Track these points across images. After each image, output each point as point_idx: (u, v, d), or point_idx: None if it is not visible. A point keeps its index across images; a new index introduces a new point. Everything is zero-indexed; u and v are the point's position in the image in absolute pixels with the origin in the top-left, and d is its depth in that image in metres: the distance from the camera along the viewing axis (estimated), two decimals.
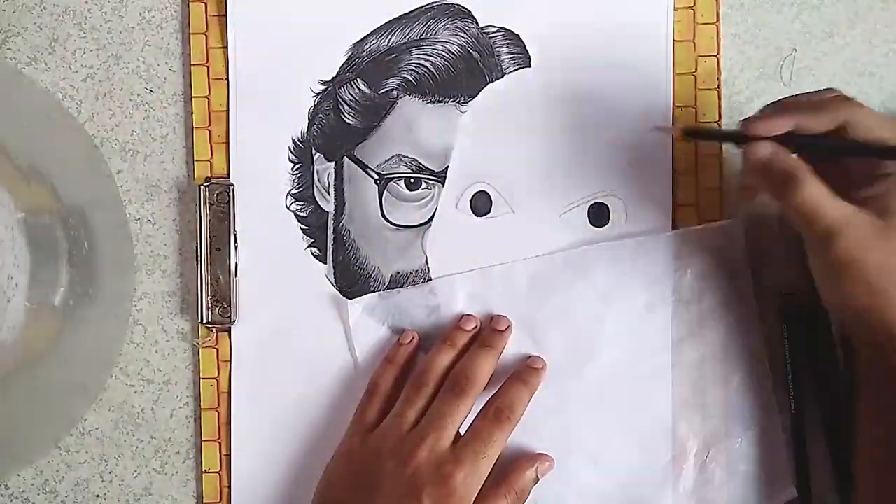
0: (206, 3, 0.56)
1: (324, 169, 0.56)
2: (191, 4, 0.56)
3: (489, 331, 0.54)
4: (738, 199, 0.54)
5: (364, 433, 0.53)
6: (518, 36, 0.55)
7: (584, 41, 0.55)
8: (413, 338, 0.55)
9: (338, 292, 0.56)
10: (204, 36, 0.56)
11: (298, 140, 0.56)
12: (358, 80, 0.56)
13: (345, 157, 0.56)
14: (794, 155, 0.45)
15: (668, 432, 0.54)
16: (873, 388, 0.48)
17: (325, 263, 0.56)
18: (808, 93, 0.48)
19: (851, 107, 0.46)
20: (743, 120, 0.47)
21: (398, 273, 0.56)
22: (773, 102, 0.48)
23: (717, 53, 0.55)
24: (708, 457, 0.54)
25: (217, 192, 0.55)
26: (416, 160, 0.55)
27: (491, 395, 0.52)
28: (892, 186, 0.45)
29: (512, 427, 0.51)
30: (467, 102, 0.55)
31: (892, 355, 0.45)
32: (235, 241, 0.56)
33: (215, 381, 0.56)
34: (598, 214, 0.55)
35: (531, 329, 0.55)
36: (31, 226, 0.50)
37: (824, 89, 0.48)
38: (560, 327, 0.55)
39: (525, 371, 0.54)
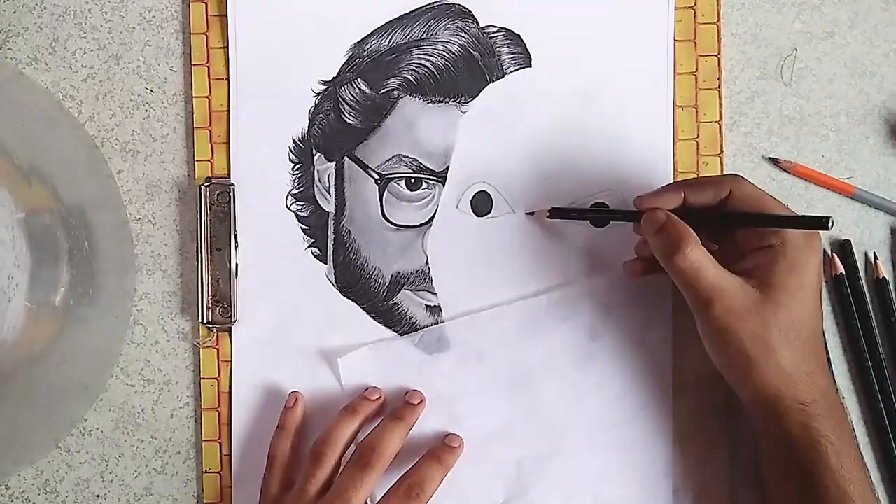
0: (206, 3, 0.56)
1: (324, 169, 0.56)
2: (191, 4, 0.56)
3: (402, 403, 0.54)
4: (624, 275, 0.54)
5: None
6: (518, 36, 0.55)
7: (584, 41, 0.55)
8: (297, 399, 0.55)
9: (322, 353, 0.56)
10: (204, 36, 0.56)
11: (299, 140, 0.56)
12: (358, 79, 0.56)
13: (345, 157, 0.56)
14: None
15: (668, 467, 0.54)
16: (767, 445, 0.49)
17: (326, 263, 0.56)
18: (705, 176, 0.51)
19: (735, 181, 0.48)
20: (637, 197, 0.50)
21: (398, 273, 0.56)
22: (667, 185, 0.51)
23: (718, 53, 0.55)
24: (706, 491, 0.54)
25: (217, 192, 0.55)
26: (417, 160, 0.55)
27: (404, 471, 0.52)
28: (772, 259, 0.47)
29: None
30: (468, 102, 0.55)
31: (764, 416, 0.47)
32: (236, 242, 0.56)
33: (216, 382, 0.56)
34: None
35: (525, 372, 0.55)
36: (32, 226, 0.50)
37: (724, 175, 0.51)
38: (552, 368, 0.55)
39: (441, 448, 0.53)
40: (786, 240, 0.47)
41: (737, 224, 0.49)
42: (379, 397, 0.54)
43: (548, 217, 0.54)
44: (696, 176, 0.54)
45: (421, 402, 0.54)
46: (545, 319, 0.55)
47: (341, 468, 0.51)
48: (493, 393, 0.55)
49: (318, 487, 0.50)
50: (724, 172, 0.55)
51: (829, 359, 0.53)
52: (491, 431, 0.55)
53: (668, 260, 0.47)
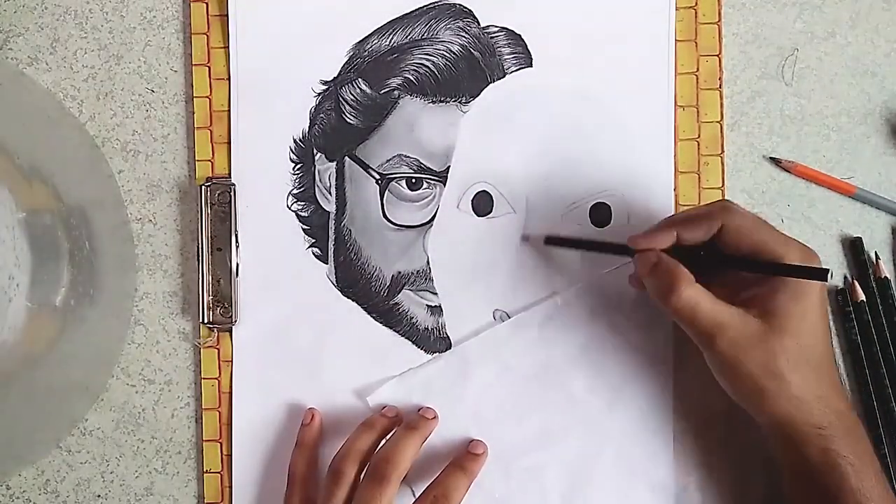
0: (207, 3, 0.56)
1: (325, 169, 0.56)
2: (192, 4, 0.56)
3: (415, 415, 0.54)
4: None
5: None
6: (519, 36, 0.55)
7: (585, 41, 0.55)
8: (313, 416, 0.55)
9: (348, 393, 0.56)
10: (205, 36, 0.56)
11: (300, 140, 0.56)
12: (359, 79, 0.56)
13: (346, 157, 0.56)
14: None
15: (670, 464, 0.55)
16: (787, 469, 0.49)
17: (327, 263, 0.56)
18: (695, 207, 0.51)
19: (726, 212, 0.48)
20: (630, 237, 0.50)
21: (399, 273, 0.56)
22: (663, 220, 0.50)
23: (719, 53, 0.55)
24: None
25: (218, 192, 0.55)
26: (418, 160, 0.55)
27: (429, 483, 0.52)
28: (774, 287, 0.46)
29: None
30: (469, 102, 0.55)
31: (782, 441, 0.47)
32: (237, 241, 0.56)
33: (216, 382, 0.56)
34: (600, 214, 0.55)
35: (553, 374, 0.55)
36: (33, 226, 0.50)
37: (713, 202, 0.50)
38: (578, 364, 0.55)
39: (464, 457, 0.53)
40: None
41: (733, 268, 0.48)
42: (396, 415, 0.54)
43: (545, 244, 0.54)
44: (688, 208, 0.53)
45: (434, 417, 0.54)
46: (562, 318, 0.55)
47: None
48: (524, 401, 0.55)
49: None
50: (724, 177, 0.55)
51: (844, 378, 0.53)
52: (527, 438, 0.55)
53: (664, 300, 0.47)
